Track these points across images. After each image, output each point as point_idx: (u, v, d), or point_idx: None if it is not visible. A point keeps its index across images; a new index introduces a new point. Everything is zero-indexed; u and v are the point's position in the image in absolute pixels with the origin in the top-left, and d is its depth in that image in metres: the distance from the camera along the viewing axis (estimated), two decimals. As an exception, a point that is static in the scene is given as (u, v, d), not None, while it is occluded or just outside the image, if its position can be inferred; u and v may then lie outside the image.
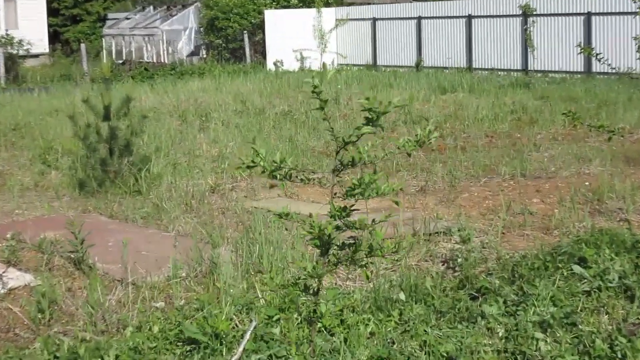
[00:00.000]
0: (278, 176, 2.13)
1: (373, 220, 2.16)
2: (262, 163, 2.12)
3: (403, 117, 10.31)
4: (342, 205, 2.15)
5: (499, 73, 17.04)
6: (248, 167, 2.15)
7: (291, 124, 10.26)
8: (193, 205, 6.08)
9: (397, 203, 2.14)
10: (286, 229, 5.01)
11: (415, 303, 3.50)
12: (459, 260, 4.24)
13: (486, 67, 17.90)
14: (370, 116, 1.97)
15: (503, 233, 4.98)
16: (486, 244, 4.65)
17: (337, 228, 2.14)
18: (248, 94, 13.80)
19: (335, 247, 2.27)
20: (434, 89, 13.90)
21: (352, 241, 2.27)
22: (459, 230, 4.84)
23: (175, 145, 8.95)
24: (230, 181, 7.09)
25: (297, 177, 2.16)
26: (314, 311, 2.64)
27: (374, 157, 2.18)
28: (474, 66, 18.19)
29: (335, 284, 4.05)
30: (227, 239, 4.89)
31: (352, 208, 2.14)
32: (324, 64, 20.73)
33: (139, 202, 6.27)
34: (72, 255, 4.46)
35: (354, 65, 20.57)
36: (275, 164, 2.12)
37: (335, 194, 2.20)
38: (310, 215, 2.14)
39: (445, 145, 8.43)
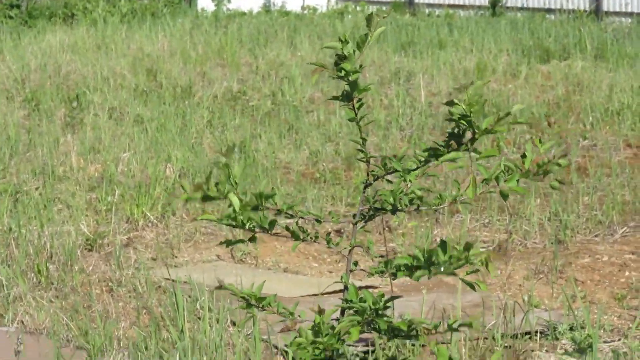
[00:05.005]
0: (247, 225, 2.11)
1: (435, 326, 2.14)
2: (231, 196, 2.09)
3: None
4: (380, 293, 2.15)
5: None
6: (204, 198, 2.15)
7: (244, 118, 10.29)
8: (52, 275, 6.08)
9: (472, 286, 2.11)
10: (233, 323, 5.01)
11: None
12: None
13: (628, 10, 18.04)
14: (460, 130, 1.93)
15: (658, 336, 5.02)
16: (625, 356, 4.69)
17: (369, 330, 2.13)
18: (160, 57, 13.85)
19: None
20: (526, 51, 13.98)
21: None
22: (571, 330, 4.87)
23: (17, 156, 8.94)
24: (125, 228, 7.09)
25: (288, 228, 2.15)
26: None
27: (437, 200, 2.17)
28: (604, 9, 18.34)
29: None
30: (119, 340, 4.90)
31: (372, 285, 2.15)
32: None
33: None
34: None
35: (372, 1, 20.72)
36: (257, 201, 2.09)
37: (356, 264, 2.21)
38: (320, 313, 2.14)
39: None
